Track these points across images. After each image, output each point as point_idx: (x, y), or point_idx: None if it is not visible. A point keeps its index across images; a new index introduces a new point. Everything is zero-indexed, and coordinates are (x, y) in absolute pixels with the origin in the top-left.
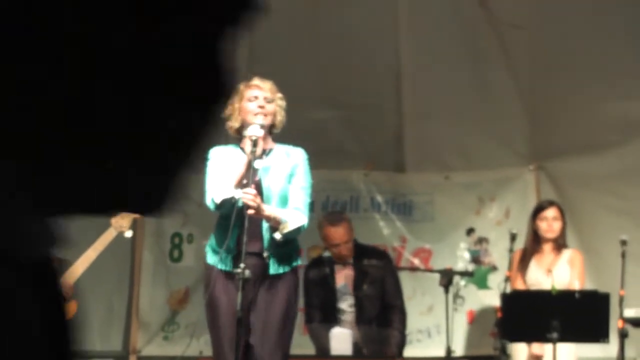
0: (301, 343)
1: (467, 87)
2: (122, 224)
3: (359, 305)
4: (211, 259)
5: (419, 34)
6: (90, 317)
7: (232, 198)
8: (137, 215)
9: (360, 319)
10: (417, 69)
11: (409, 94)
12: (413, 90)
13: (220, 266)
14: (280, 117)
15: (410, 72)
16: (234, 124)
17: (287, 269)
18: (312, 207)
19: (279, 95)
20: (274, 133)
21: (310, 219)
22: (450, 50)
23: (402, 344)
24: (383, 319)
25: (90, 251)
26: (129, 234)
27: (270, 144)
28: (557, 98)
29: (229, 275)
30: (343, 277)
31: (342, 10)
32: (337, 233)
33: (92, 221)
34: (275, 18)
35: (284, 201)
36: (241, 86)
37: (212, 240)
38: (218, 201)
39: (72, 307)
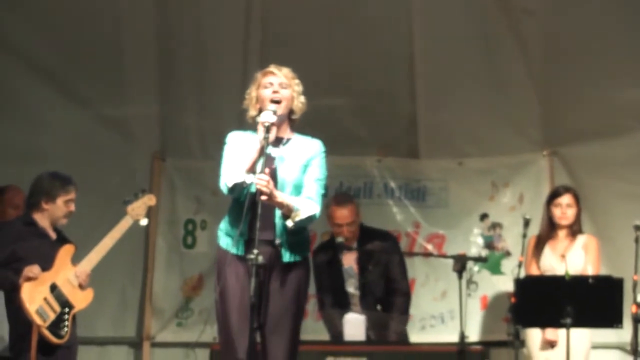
0: (315, 329)
1: (481, 73)
2: (138, 212)
3: (363, 288)
4: (223, 242)
5: (433, 21)
6: (104, 304)
7: (244, 182)
8: (152, 203)
9: (365, 302)
10: (431, 55)
11: (423, 80)
12: (426, 77)
13: (232, 250)
14: (298, 103)
15: (423, 59)
16: (251, 112)
17: (298, 258)
18: (325, 195)
19: (296, 81)
20: (293, 120)
21: (323, 205)
22: (464, 37)
23: (401, 327)
24: (387, 302)
25: (107, 239)
26: (144, 222)
27: (289, 133)
28: (570, 84)
29: (241, 260)
30: (349, 259)
31: None
32: (341, 213)
33: (109, 210)
34: (289, 5)
35: (297, 190)
36: (258, 74)
37: (225, 224)
38: (230, 185)
39: (88, 295)
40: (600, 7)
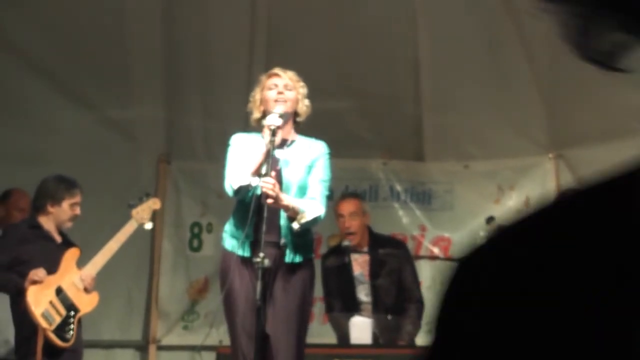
0: (321, 332)
1: (486, 75)
2: (143, 216)
3: (375, 295)
4: (228, 244)
5: (437, 22)
6: (110, 307)
7: (249, 185)
8: (156, 207)
9: (377, 308)
10: (436, 58)
11: (428, 83)
12: (431, 79)
13: (237, 252)
14: (303, 106)
15: (428, 61)
16: (255, 114)
17: (302, 258)
18: (330, 196)
19: (301, 84)
20: (298, 123)
21: (328, 208)
22: (469, 39)
23: (414, 333)
24: (399, 309)
25: (112, 243)
26: (149, 226)
27: (293, 135)
28: (576, 86)
29: (246, 261)
30: (359, 265)
31: None
32: (344, 205)
33: (114, 214)
34: (294, 8)
35: (302, 192)
36: (263, 77)
37: (229, 226)
38: (235, 187)
39: (94, 298)
40: None
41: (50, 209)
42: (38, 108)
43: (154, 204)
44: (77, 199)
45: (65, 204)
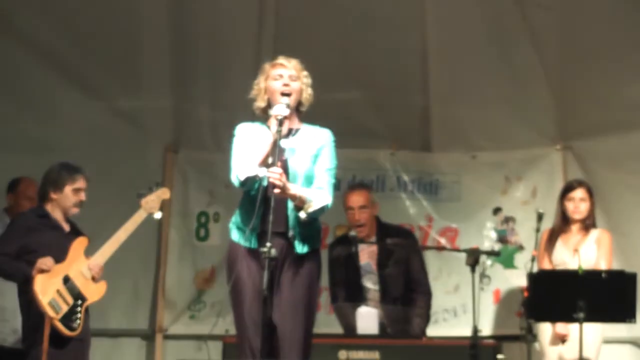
0: (328, 322)
1: (494, 67)
2: (152, 206)
3: (383, 284)
4: (235, 236)
5: (446, 14)
6: (117, 296)
7: (256, 176)
8: (166, 197)
9: (385, 298)
10: (444, 49)
11: (436, 74)
12: (440, 70)
13: (245, 244)
14: (307, 95)
15: (437, 53)
16: (260, 103)
17: (310, 249)
18: (337, 186)
19: (304, 73)
20: (301, 112)
21: (335, 197)
22: (477, 31)
23: (424, 325)
24: (408, 299)
25: (121, 232)
26: (158, 215)
27: (297, 124)
28: (584, 78)
29: (253, 253)
30: (366, 255)
31: None
32: (352, 197)
33: (122, 203)
34: None
35: (309, 181)
36: (267, 65)
37: (236, 218)
38: (242, 178)
39: (101, 287)
40: (615, 2)
41: (53, 195)
42: (47, 97)
43: (163, 193)
44: (80, 184)
45: (68, 190)
